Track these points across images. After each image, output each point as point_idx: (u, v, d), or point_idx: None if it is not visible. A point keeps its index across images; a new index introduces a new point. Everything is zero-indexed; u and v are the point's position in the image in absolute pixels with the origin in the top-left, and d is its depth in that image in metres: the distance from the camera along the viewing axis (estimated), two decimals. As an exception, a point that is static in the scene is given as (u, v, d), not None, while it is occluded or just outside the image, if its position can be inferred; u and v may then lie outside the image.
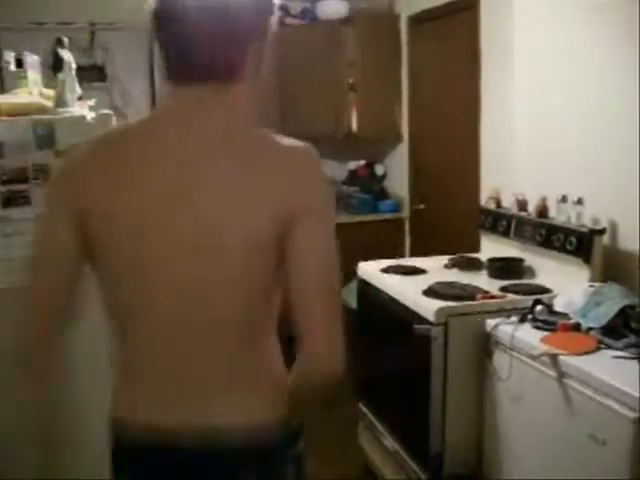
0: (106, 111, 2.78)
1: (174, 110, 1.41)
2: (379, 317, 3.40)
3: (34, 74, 2.90)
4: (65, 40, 2.91)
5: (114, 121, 2.77)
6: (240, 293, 1.35)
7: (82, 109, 2.85)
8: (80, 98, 2.95)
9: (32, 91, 2.82)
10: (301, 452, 1.53)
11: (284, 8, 5.64)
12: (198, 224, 1.31)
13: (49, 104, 2.74)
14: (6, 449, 2.69)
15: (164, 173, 1.33)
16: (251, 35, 1.42)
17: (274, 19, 1.52)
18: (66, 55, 2.83)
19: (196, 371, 1.39)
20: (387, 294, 3.22)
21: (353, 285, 3.99)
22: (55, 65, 2.83)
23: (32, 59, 2.91)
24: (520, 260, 3.31)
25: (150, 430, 1.39)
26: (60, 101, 2.74)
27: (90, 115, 2.72)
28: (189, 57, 1.38)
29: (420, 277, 3.31)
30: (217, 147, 1.36)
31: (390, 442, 3.29)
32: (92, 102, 3.06)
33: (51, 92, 2.85)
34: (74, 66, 2.86)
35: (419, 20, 5.01)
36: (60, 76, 2.77)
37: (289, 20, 5.62)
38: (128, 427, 1.42)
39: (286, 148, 1.51)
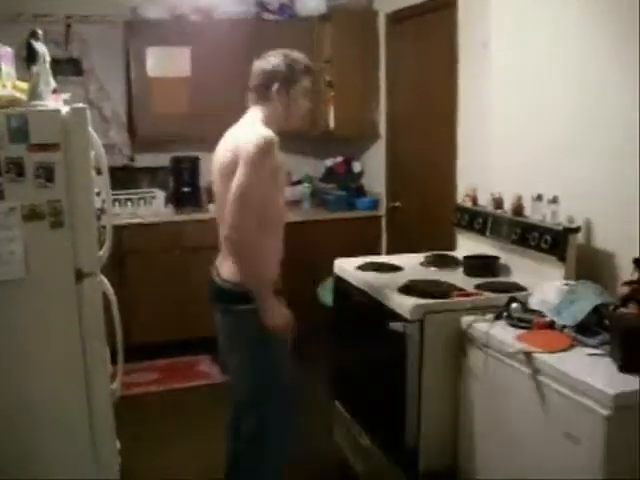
0: (81, 105, 2.74)
1: None
2: (355, 315, 3.40)
3: (8, 67, 2.85)
4: (40, 32, 2.87)
5: (88, 115, 2.74)
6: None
7: (56, 103, 2.82)
8: (55, 91, 2.91)
9: (5, 84, 2.78)
10: (252, 311, 2.63)
11: (262, 4, 5.63)
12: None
13: (23, 97, 2.71)
14: None
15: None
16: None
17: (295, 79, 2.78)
18: (41, 48, 2.79)
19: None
20: (363, 291, 3.22)
21: (329, 282, 3.99)
22: (29, 58, 2.79)
23: (6, 51, 2.87)
24: (495, 258, 3.32)
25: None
26: (34, 94, 2.70)
27: (64, 109, 2.69)
28: None
29: (396, 274, 3.31)
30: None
31: (366, 440, 3.30)
32: (67, 96, 3.02)
33: (25, 85, 2.81)
34: (48, 59, 2.82)
35: (397, 18, 5.02)
36: (34, 69, 2.73)
37: (267, 15, 5.61)
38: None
39: (248, 133, 2.66)
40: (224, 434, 2.97)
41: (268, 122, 2.73)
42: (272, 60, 2.79)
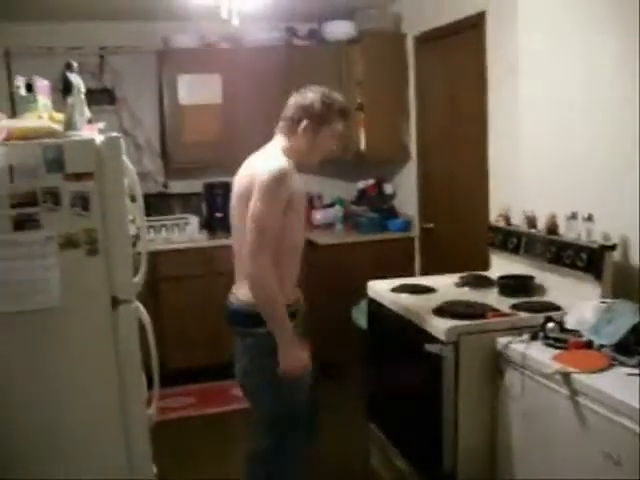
0: (115, 134, 2.79)
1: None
2: (389, 337, 3.39)
3: (44, 98, 2.92)
4: (74, 64, 2.94)
5: (122, 144, 2.78)
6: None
7: (91, 132, 2.87)
8: (90, 121, 2.97)
9: (42, 115, 2.84)
10: (268, 335, 2.61)
11: (291, 30, 5.69)
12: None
13: (58, 128, 2.76)
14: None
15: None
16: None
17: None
18: (75, 79, 2.85)
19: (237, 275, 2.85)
20: (397, 313, 3.21)
21: (363, 304, 3.98)
22: (64, 89, 2.85)
23: (42, 83, 2.94)
24: (530, 277, 3.29)
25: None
26: (69, 125, 2.76)
27: (99, 138, 2.73)
28: None
29: (430, 296, 3.30)
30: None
31: (402, 463, 3.27)
32: (101, 125, 3.07)
33: (61, 116, 2.87)
34: (83, 90, 2.88)
35: (425, 39, 5.04)
36: (69, 100, 2.79)
37: (296, 41, 5.67)
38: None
39: (266, 162, 2.69)
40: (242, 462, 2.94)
41: (288, 154, 2.73)
42: (309, 96, 2.80)
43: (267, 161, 2.67)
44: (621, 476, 2.13)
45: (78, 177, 2.65)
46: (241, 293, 2.74)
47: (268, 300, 2.59)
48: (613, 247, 2.92)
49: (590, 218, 3.03)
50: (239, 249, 2.76)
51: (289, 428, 2.72)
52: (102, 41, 5.37)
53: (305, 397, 2.74)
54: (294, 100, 2.83)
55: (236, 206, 2.79)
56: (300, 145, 2.77)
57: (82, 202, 2.65)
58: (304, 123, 2.74)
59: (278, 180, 2.58)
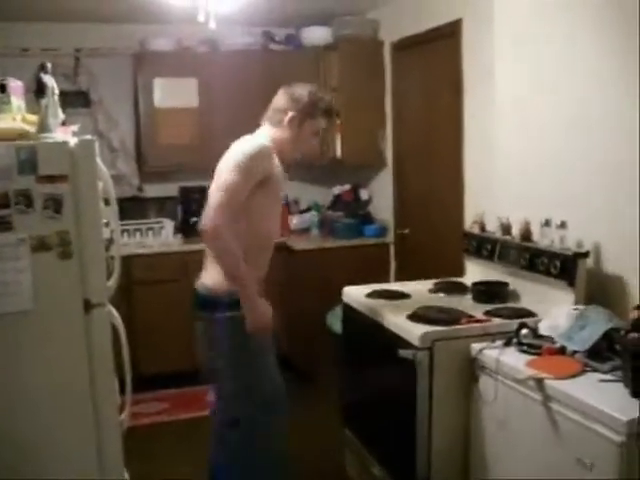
0: (89, 136, 2.76)
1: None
2: (364, 342, 3.39)
3: (17, 99, 2.88)
4: (49, 65, 2.90)
5: (97, 146, 2.75)
6: None
7: (65, 134, 2.84)
8: (64, 123, 2.94)
9: (15, 116, 2.80)
10: (236, 318, 2.66)
11: (268, 35, 5.69)
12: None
13: (32, 129, 2.73)
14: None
15: None
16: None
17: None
18: (49, 80, 2.82)
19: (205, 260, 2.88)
20: (372, 319, 3.21)
21: (338, 310, 3.98)
22: (38, 90, 2.81)
23: (15, 84, 2.90)
24: (504, 284, 3.31)
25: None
26: (43, 126, 2.72)
27: (73, 140, 2.71)
28: None
29: (405, 301, 3.31)
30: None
31: (377, 468, 3.26)
32: (75, 127, 3.04)
33: (34, 117, 2.83)
34: (57, 91, 2.85)
35: (402, 46, 5.06)
36: (43, 101, 2.76)
37: (273, 46, 5.67)
38: None
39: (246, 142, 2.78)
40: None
41: (271, 142, 2.81)
42: (298, 90, 2.90)
43: (249, 141, 2.76)
44: (593, 481, 2.15)
45: (51, 179, 2.62)
46: (206, 278, 2.81)
47: (227, 256, 2.64)
48: (586, 254, 2.95)
49: (563, 225, 3.06)
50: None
51: (264, 404, 2.76)
52: (77, 43, 5.34)
53: (274, 371, 2.81)
54: (283, 92, 2.93)
55: (212, 190, 2.78)
56: (283, 135, 2.84)
57: (55, 205, 2.62)
58: (290, 114, 2.83)
59: (256, 155, 2.67)
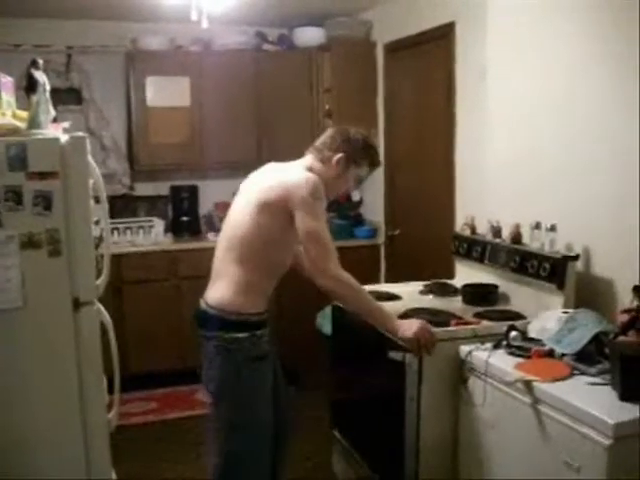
0: (80, 134, 2.75)
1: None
2: (354, 343, 3.38)
3: (8, 95, 2.87)
4: (40, 62, 2.89)
5: (88, 144, 2.74)
6: None
7: (56, 131, 2.83)
8: (55, 120, 2.92)
9: (5, 112, 2.79)
10: (232, 341, 2.60)
11: (261, 35, 5.68)
12: None
13: (22, 126, 2.72)
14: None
15: None
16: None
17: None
18: (41, 77, 2.81)
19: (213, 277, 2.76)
20: (362, 320, 3.20)
21: (327, 311, 3.98)
22: (29, 87, 2.80)
23: (6, 80, 2.89)
24: (494, 286, 3.31)
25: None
26: (33, 123, 2.71)
27: (64, 137, 2.70)
28: None
29: (395, 303, 3.30)
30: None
31: (365, 469, 3.26)
32: (66, 124, 3.03)
33: (25, 114, 2.82)
34: (48, 88, 2.84)
35: (395, 48, 5.06)
36: (34, 98, 2.75)
37: (266, 46, 5.66)
38: None
39: (297, 176, 2.67)
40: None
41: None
42: (354, 133, 2.82)
43: (301, 177, 2.65)
44: (580, 484, 2.15)
45: (41, 176, 2.61)
46: (210, 296, 2.69)
47: (357, 300, 2.68)
48: (576, 257, 2.96)
49: (553, 228, 3.07)
50: (225, 252, 2.70)
51: (250, 437, 2.66)
52: (70, 40, 5.31)
53: (269, 406, 2.71)
54: (338, 131, 2.86)
55: (245, 208, 2.70)
56: (326, 173, 2.75)
57: (45, 202, 2.61)
58: (340, 155, 2.76)
59: (317, 191, 2.61)
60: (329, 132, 2.87)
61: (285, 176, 2.68)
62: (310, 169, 2.74)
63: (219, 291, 2.66)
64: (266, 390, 2.69)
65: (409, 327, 2.65)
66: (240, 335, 2.60)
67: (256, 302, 2.63)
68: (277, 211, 2.60)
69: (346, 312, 3.39)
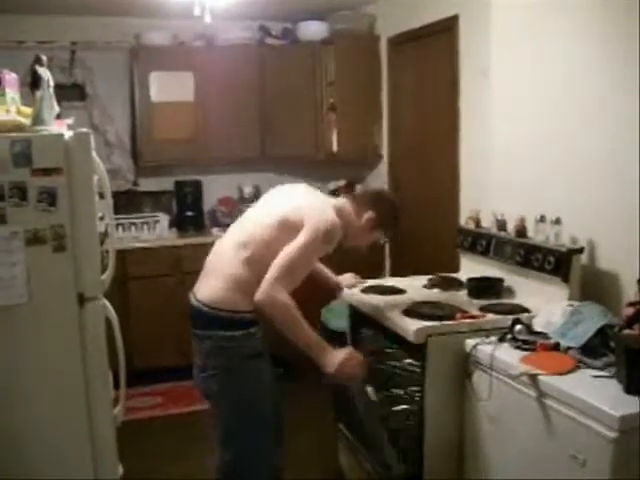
0: (84, 130, 2.75)
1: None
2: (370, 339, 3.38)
3: (12, 92, 2.87)
4: (44, 58, 2.89)
5: (92, 140, 2.75)
6: None
7: (60, 127, 2.83)
8: (59, 116, 2.93)
9: (10, 109, 2.79)
10: (227, 340, 2.60)
11: (265, 29, 5.68)
12: None
13: (27, 122, 2.72)
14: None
15: None
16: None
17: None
18: (45, 73, 2.81)
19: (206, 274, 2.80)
20: (367, 314, 3.21)
21: (333, 305, 3.98)
22: (33, 83, 2.80)
23: (11, 77, 2.89)
24: (499, 280, 3.31)
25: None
26: (37, 119, 2.72)
27: (68, 134, 2.70)
28: None
29: (400, 297, 3.30)
30: None
31: (370, 463, 3.27)
32: (70, 121, 3.03)
33: (29, 110, 2.82)
34: (52, 84, 2.84)
35: (399, 41, 5.05)
36: (38, 94, 2.75)
37: (270, 40, 5.66)
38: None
39: (325, 210, 2.72)
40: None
41: (339, 217, 2.75)
42: (391, 199, 3.02)
43: (327, 211, 2.71)
44: (586, 477, 2.15)
45: (46, 172, 2.61)
46: (203, 293, 2.69)
47: (289, 326, 2.59)
48: (580, 250, 2.95)
49: (558, 221, 3.06)
50: (235, 250, 2.71)
51: (252, 435, 2.67)
52: (73, 36, 5.32)
53: (269, 403, 2.71)
54: (377, 191, 3.06)
55: (267, 218, 2.73)
56: (353, 224, 2.83)
57: (49, 198, 2.61)
58: (370, 214, 2.83)
59: (330, 236, 2.65)
60: (371, 190, 2.97)
61: (314, 204, 2.73)
62: (340, 212, 2.78)
63: (212, 288, 2.66)
64: (264, 387, 2.69)
65: (331, 363, 2.60)
66: (236, 333, 2.61)
67: (250, 301, 2.61)
68: (294, 231, 2.63)
69: (352, 306, 3.40)
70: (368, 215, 2.83)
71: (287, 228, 2.64)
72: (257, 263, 2.63)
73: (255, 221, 2.78)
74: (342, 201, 2.88)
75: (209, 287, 2.69)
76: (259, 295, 2.54)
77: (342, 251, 2.69)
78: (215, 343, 2.63)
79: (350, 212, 2.84)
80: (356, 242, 2.91)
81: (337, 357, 2.60)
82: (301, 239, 2.60)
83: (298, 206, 2.70)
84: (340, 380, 2.65)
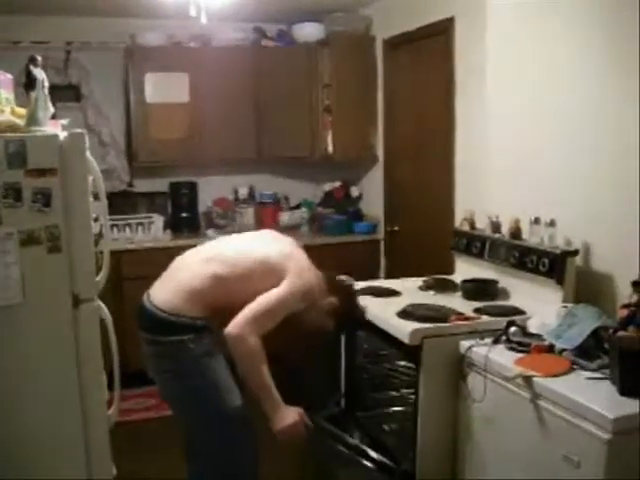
0: (79, 130, 2.75)
1: None
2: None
3: (6, 92, 2.87)
4: (39, 58, 2.88)
5: (87, 140, 2.74)
6: None
7: (55, 128, 2.82)
8: (53, 117, 2.92)
9: (4, 109, 2.79)
10: (177, 343, 2.59)
11: (260, 30, 5.67)
12: None
13: (21, 122, 2.71)
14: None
15: None
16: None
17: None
18: (39, 74, 2.80)
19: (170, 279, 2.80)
20: (326, 275, 3.19)
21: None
22: (28, 83, 2.80)
23: (5, 77, 2.88)
24: (494, 282, 3.31)
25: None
26: (32, 120, 2.71)
27: (62, 134, 2.69)
28: None
29: (394, 299, 3.30)
30: None
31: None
32: (65, 121, 3.02)
33: (23, 111, 2.81)
34: (47, 84, 2.83)
35: (395, 43, 5.05)
36: (32, 94, 2.74)
37: (265, 42, 5.65)
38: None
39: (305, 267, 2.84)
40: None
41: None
42: (351, 296, 3.15)
43: (311, 272, 2.82)
44: (581, 479, 2.15)
45: (40, 173, 2.60)
46: (161, 298, 2.69)
47: (251, 368, 2.58)
48: (575, 252, 2.96)
49: (552, 223, 3.07)
50: (205, 263, 2.75)
51: (219, 432, 2.65)
52: (68, 36, 5.30)
53: (234, 396, 2.67)
54: (349, 286, 3.18)
55: (253, 250, 2.80)
56: (318, 299, 2.86)
57: (44, 198, 2.61)
58: (333, 300, 2.93)
59: (307, 297, 2.71)
60: (340, 277, 3.08)
61: (301, 261, 2.80)
62: (318, 280, 2.84)
63: (168, 294, 2.68)
64: (222, 381, 2.65)
65: (280, 422, 2.59)
66: (184, 337, 2.60)
67: (200, 309, 2.64)
68: (272, 274, 2.67)
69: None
70: (331, 300, 2.88)
71: (267, 268, 2.69)
72: (220, 281, 2.67)
73: (235, 246, 2.84)
74: (319, 274, 2.90)
75: (164, 292, 2.70)
76: (232, 328, 2.55)
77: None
78: (165, 347, 2.63)
79: (322, 287, 2.86)
80: (310, 317, 2.87)
81: (286, 418, 2.61)
82: (283, 290, 2.64)
83: (286, 254, 2.76)
84: (282, 439, 2.63)
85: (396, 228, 5.20)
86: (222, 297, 2.66)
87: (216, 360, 2.66)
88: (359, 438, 3.27)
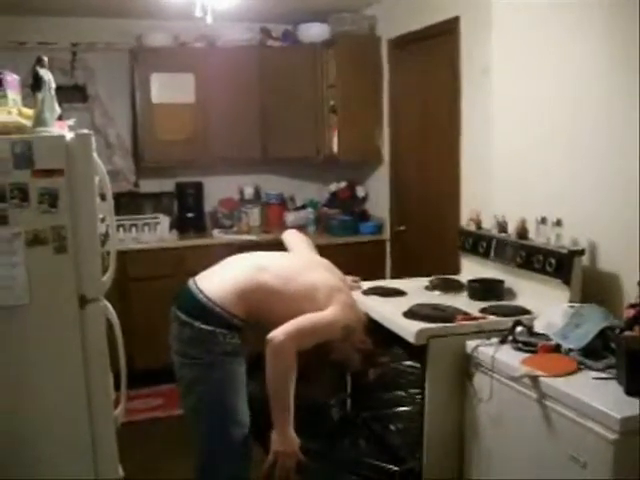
0: (85, 131, 2.75)
1: None
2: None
3: (13, 93, 2.87)
4: (45, 59, 2.89)
5: (93, 141, 2.75)
6: None
7: (61, 129, 2.83)
8: (60, 118, 2.93)
9: (11, 110, 2.80)
10: (207, 333, 2.61)
11: (266, 31, 5.68)
12: None
13: (27, 123, 2.72)
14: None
15: None
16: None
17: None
18: (46, 74, 2.81)
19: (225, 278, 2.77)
20: (367, 316, 3.20)
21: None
22: (34, 84, 2.81)
23: (12, 78, 2.89)
24: (500, 281, 3.31)
25: None
26: (39, 120, 2.72)
27: (69, 135, 2.70)
28: None
29: (400, 299, 3.30)
30: None
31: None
32: (71, 122, 3.03)
33: (30, 111, 2.82)
34: (54, 85, 2.84)
35: (400, 43, 5.05)
36: (39, 95, 2.75)
37: (270, 42, 5.66)
38: None
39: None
40: None
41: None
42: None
43: (358, 309, 2.86)
44: (587, 479, 2.15)
45: (47, 173, 2.61)
46: (212, 290, 2.68)
47: (276, 380, 2.53)
48: (581, 252, 2.95)
49: (559, 223, 3.06)
50: (245, 266, 2.78)
51: (221, 432, 2.65)
52: (75, 37, 5.32)
53: (239, 403, 2.67)
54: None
55: (305, 267, 2.85)
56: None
57: (50, 199, 2.62)
58: (368, 342, 2.90)
59: (345, 331, 2.67)
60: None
61: (349, 298, 2.82)
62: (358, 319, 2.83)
63: (222, 288, 2.67)
64: (236, 386, 2.66)
65: (282, 443, 2.54)
66: (217, 330, 2.60)
67: (244, 313, 2.65)
68: (317, 302, 2.67)
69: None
70: (366, 340, 2.85)
71: (314, 296, 2.69)
72: (268, 291, 2.68)
73: (292, 264, 2.86)
74: (363, 313, 2.92)
75: (213, 283, 2.70)
76: (279, 333, 2.50)
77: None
78: (196, 333, 2.64)
79: (362, 327, 2.84)
80: (342, 348, 2.82)
81: (286, 445, 2.55)
82: (330, 315, 2.63)
83: (336, 287, 2.77)
84: (267, 461, 2.57)
85: (402, 228, 5.20)
86: (264, 307, 2.67)
87: (238, 363, 2.67)
88: (365, 439, 3.28)
